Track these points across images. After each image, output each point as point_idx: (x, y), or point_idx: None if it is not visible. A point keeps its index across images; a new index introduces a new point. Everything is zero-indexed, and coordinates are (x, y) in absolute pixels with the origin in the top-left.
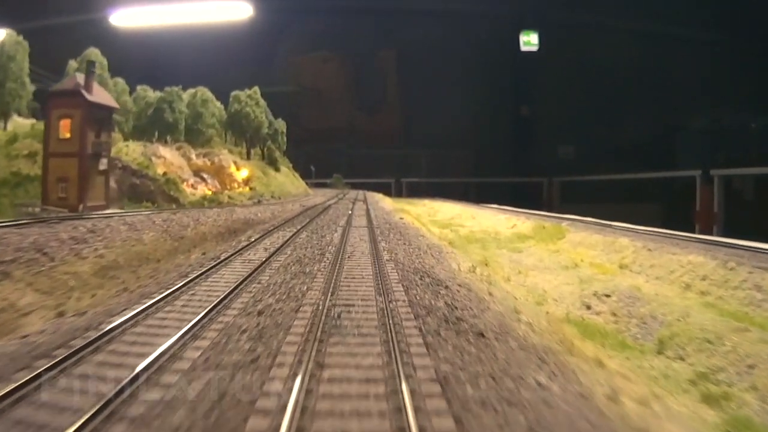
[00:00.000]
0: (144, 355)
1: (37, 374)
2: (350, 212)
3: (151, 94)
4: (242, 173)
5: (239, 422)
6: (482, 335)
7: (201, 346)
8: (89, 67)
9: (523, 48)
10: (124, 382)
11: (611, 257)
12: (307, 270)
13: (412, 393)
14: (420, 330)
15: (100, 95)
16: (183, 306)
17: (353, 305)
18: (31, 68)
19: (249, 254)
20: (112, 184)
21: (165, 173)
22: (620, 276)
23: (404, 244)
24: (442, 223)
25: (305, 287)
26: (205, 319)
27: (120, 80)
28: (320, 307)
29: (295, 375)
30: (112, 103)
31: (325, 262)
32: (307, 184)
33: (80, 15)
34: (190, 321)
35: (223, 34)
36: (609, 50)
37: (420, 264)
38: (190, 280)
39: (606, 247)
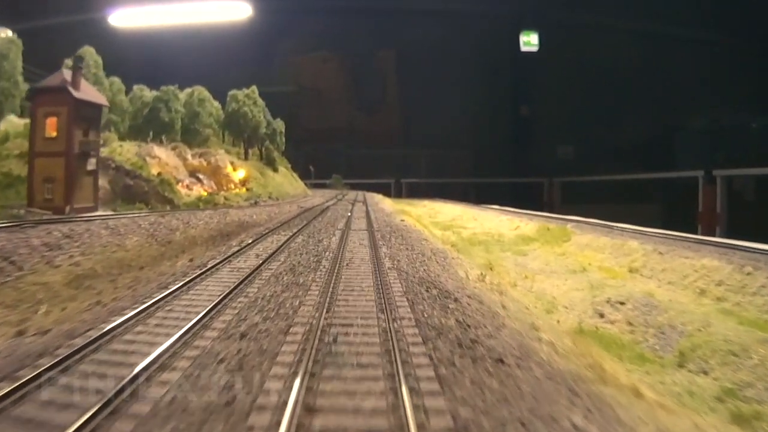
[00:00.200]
0: (99, 394)
1: None
2: (349, 214)
3: (148, 94)
4: (239, 174)
5: None
6: (502, 362)
7: (168, 380)
8: (76, 63)
9: (523, 48)
10: None
11: (620, 261)
12: (301, 281)
13: None
14: (430, 358)
15: (88, 92)
16: (156, 325)
17: (352, 325)
18: (26, 67)
19: (239, 261)
20: (105, 184)
21: (159, 174)
22: (631, 280)
23: (407, 249)
24: (443, 225)
25: (297, 302)
26: (179, 344)
27: (116, 79)
28: (313, 328)
29: (278, 424)
30: (101, 101)
31: (321, 271)
32: (306, 184)
33: (79, 15)
34: (161, 345)
35: (222, 34)
36: (609, 50)
37: (425, 272)
38: (170, 293)
39: (614, 250)
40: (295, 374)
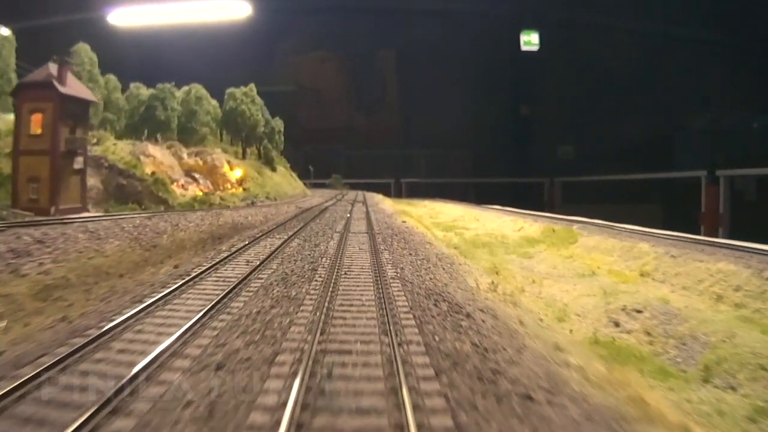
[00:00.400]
0: None
1: None
2: (348, 215)
3: (145, 92)
4: (236, 173)
5: None
6: (531, 398)
7: None
8: (63, 57)
9: (524, 48)
10: None
11: (630, 264)
12: (293, 293)
13: None
14: (447, 400)
15: (75, 87)
16: (120, 351)
17: (350, 352)
18: (25, 66)
19: (227, 269)
20: (98, 184)
21: (153, 173)
22: (643, 285)
23: (410, 254)
24: (445, 226)
25: (287, 320)
26: (140, 378)
27: (112, 77)
28: (304, 356)
29: None
30: (89, 96)
31: (316, 281)
32: (305, 184)
33: (79, 14)
34: (121, 379)
35: (222, 33)
36: (609, 50)
37: (432, 282)
38: (145, 308)
39: (624, 253)
40: (277, 425)
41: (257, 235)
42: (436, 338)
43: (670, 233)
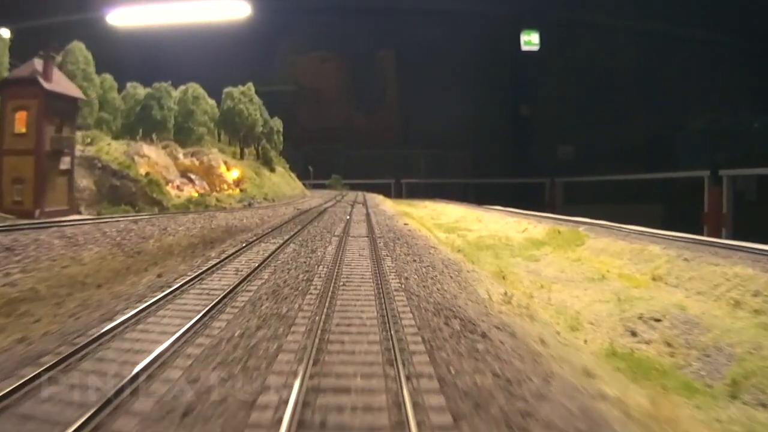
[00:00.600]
0: None
1: None
2: (348, 217)
3: (141, 92)
4: (233, 174)
5: None
6: None
7: None
8: (47, 52)
9: (524, 47)
10: None
11: (641, 267)
12: (284, 310)
13: None
14: None
15: (61, 84)
16: (72, 387)
17: (348, 390)
18: (19, 65)
19: (213, 280)
20: (90, 185)
21: (148, 174)
22: (656, 290)
23: (414, 260)
24: (447, 227)
25: (275, 347)
26: (87, 428)
27: (108, 76)
28: (291, 399)
29: None
30: (76, 93)
31: (311, 294)
32: (304, 185)
33: (78, 14)
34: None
35: (221, 33)
36: (609, 50)
37: (440, 294)
38: (114, 328)
39: (634, 256)
40: None
41: (251, 240)
42: (451, 369)
43: (681, 235)
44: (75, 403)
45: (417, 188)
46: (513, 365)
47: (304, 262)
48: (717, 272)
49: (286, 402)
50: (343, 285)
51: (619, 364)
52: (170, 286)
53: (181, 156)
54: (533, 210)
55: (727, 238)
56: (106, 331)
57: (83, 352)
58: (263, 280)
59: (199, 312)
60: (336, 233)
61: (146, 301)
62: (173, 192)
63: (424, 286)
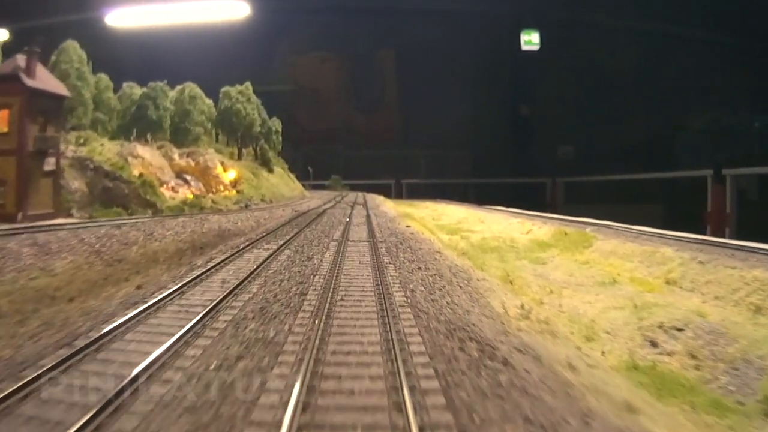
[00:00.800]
0: None
1: None
2: (348, 220)
3: (138, 91)
4: (229, 175)
5: None
6: None
7: None
8: (31, 48)
9: (524, 47)
10: None
11: (653, 270)
12: (272, 334)
13: None
14: None
15: (46, 81)
16: None
17: None
18: None
19: (195, 293)
20: (83, 187)
21: (141, 175)
22: (671, 295)
23: (419, 268)
24: (449, 229)
25: (256, 385)
26: None
27: (103, 76)
28: None
29: None
30: (62, 91)
31: (304, 312)
32: (304, 186)
33: (77, 14)
34: None
35: (221, 34)
36: (610, 49)
37: (450, 309)
38: (70, 356)
39: (645, 258)
40: None
41: (243, 245)
42: (475, 417)
43: (694, 236)
44: None
45: (417, 189)
46: (544, 402)
47: (299, 272)
48: (735, 276)
49: None
50: (341, 300)
51: (642, 378)
52: (146, 302)
53: (176, 156)
54: (534, 210)
55: (730, 237)
56: (62, 360)
57: (26, 390)
58: (251, 295)
59: (171, 335)
60: (334, 237)
61: (115, 321)
62: (168, 193)
63: (432, 300)
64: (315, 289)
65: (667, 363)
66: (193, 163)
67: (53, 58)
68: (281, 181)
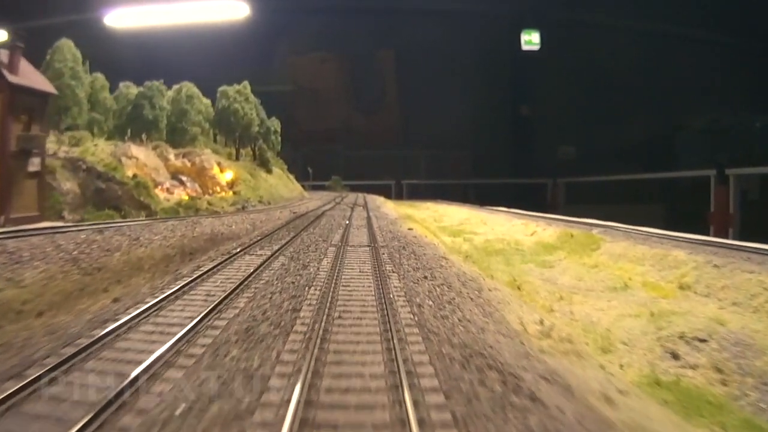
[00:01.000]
0: None
1: None
2: (347, 222)
3: (134, 91)
4: (226, 175)
5: None
6: None
7: None
8: (13, 42)
9: (525, 47)
10: None
11: (665, 275)
12: (255, 364)
13: None
14: None
15: (30, 77)
16: None
17: None
18: None
19: (175, 309)
20: (75, 188)
21: (135, 176)
22: (684, 300)
23: (425, 277)
24: (451, 231)
25: None
26: None
27: (99, 75)
28: None
29: None
30: (48, 88)
31: (296, 334)
32: (304, 186)
33: (76, 15)
34: None
35: (220, 34)
36: (609, 50)
37: (463, 328)
38: (17, 392)
39: (657, 262)
40: None
41: (236, 251)
42: None
43: (707, 239)
44: None
45: (417, 189)
46: None
47: (292, 283)
48: (752, 280)
49: None
50: (339, 318)
51: (666, 395)
52: (117, 320)
53: (172, 157)
54: (535, 210)
55: (733, 238)
56: (8, 396)
57: None
58: (237, 311)
59: (138, 365)
60: (333, 242)
61: (79, 343)
62: (162, 195)
63: (442, 317)
64: (310, 304)
65: (691, 377)
66: (189, 164)
67: (47, 57)
68: (280, 182)
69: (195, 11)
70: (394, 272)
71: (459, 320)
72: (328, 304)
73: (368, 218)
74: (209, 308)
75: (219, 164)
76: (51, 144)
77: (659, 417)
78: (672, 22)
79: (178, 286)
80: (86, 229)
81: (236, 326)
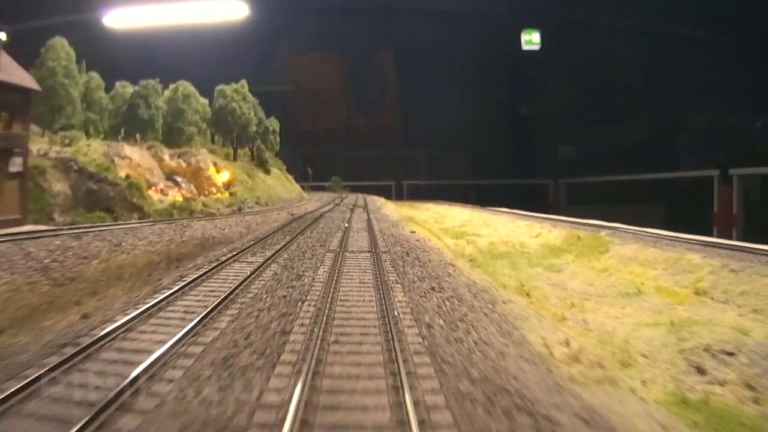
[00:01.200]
0: None
1: None
2: (347, 225)
3: (130, 91)
4: (223, 176)
5: None
6: None
7: None
8: None
9: (525, 47)
10: None
11: (679, 279)
12: (230, 412)
13: None
14: None
15: (10, 72)
16: None
17: None
18: None
19: (146, 329)
20: (66, 189)
21: (128, 176)
22: (701, 307)
23: (433, 288)
24: (454, 233)
25: None
26: None
27: (95, 74)
28: None
29: None
30: (30, 84)
31: (282, 366)
32: (303, 187)
33: (75, 15)
34: None
35: (220, 34)
36: (609, 50)
37: (481, 354)
38: None
39: (669, 266)
40: None
41: (225, 258)
42: None
43: (721, 241)
44: None
45: (418, 190)
46: None
47: (284, 297)
48: None
49: None
50: (336, 342)
51: (695, 416)
52: (78, 344)
53: (167, 157)
54: (536, 211)
55: (737, 239)
56: None
57: None
58: (217, 333)
59: (91, 407)
60: (331, 247)
61: (26, 375)
62: (156, 196)
63: (456, 341)
64: (302, 325)
65: (721, 395)
66: (184, 164)
67: (41, 55)
68: (278, 183)
69: (195, 11)
70: (398, 283)
71: (475, 343)
72: (322, 325)
73: (368, 220)
74: (185, 330)
75: (215, 164)
76: (43, 144)
77: None
78: (672, 22)
79: (156, 301)
80: (62, 234)
81: (213, 354)
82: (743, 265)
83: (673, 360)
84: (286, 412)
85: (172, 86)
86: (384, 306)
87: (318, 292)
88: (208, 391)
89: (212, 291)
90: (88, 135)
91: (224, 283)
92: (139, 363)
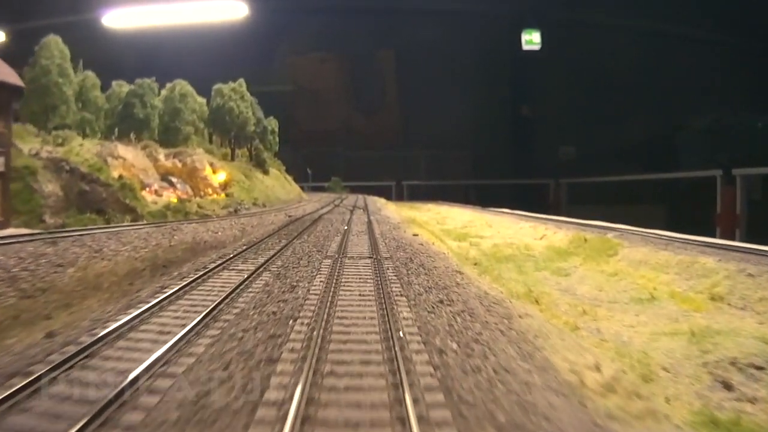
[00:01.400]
0: None
1: None
2: (346, 227)
3: (126, 89)
4: (219, 176)
5: None
6: None
7: None
8: None
9: (525, 47)
10: None
11: (693, 284)
12: None
13: None
14: None
15: None
16: None
17: None
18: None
19: (111, 355)
20: (57, 191)
21: (121, 177)
22: (718, 314)
23: (441, 302)
24: (456, 234)
25: None
26: None
27: (90, 74)
28: None
29: None
30: (13, 80)
31: (265, 408)
32: (303, 188)
33: (75, 16)
34: None
35: (220, 34)
36: (609, 50)
37: (503, 385)
38: None
39: (683, 270)
40: None
41: (213, 264)
42: None
43: (737, 244)
44: None
45: (418, 190)
46: None
47: (274, 314)
48: None
49: None
50: (331, 375)
51: None
52: (29, 373)
53: (162, 157)
54: (537, 211)
55: (741, 239)
56: None
57: None
58: (193, 360)
59: None
60: (329, 252)
61: None
62: (150, 197)
63: (473, 369)
64: (292, 351)
65: (752, 414)
66: (179, 165)
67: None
68: (277, 183)
69: (194, 11)
70: (402, 295)
71: (495, 372)
72: (316, 351)
73: (369, 222)
74: (154, 357)
75: (211, 165)
76: (34, 144)
77: None
78: (672, 22)
79: (128, 318)
80: (36, 240)
81: (184, 392)
82: (761, 270)
83: (697, 374)
84: None
85: (168, 85)
86: (388, 326)
87: (312, 308)
88: None
89: (194, 305)
90: (84, 135)
91: (209, 295)
92: (92, 403)
